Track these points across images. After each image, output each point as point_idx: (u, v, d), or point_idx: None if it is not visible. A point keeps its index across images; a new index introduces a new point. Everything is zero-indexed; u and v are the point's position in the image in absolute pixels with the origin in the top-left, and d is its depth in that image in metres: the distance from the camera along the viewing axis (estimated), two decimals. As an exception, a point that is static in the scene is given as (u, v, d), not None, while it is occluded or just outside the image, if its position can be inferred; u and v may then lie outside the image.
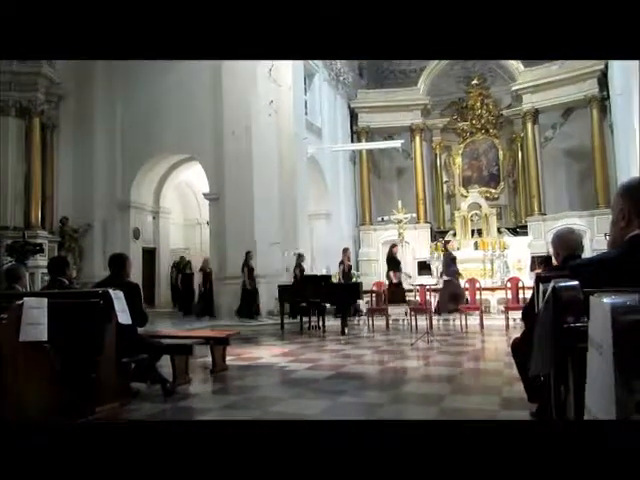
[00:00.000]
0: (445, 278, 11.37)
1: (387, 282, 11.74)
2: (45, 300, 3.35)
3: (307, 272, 12.29)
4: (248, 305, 11.90)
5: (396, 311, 10.88)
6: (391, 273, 12.13)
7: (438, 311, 10.93)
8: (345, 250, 12.60)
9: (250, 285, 12.05)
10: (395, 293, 11.27)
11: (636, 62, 11.52)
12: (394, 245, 12.97)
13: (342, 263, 12.30)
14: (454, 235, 16.77)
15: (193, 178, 16.54)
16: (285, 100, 13.45)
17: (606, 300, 1.14)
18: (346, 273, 12.19)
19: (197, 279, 13.93)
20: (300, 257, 12.02)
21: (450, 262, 11.52)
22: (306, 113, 15.13)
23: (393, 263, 12.40)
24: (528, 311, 3.15)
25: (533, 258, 14.21)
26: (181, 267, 15.03)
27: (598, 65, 15.02)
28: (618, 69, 13.65)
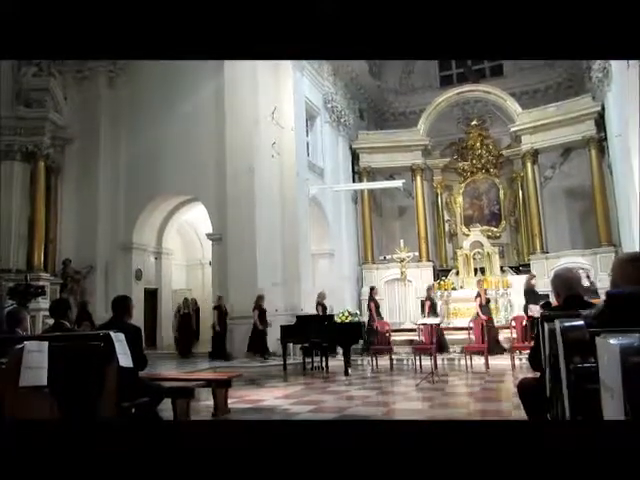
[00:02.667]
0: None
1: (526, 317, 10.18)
2: (46, 344, 3.31)
3: (310, 312, 12.19)
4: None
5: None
6: (531, 306, 10.66)
7: None
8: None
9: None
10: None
11: (630, 104, 11.72)
12: (532, 276, 11.86)
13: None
14: (457, 274, 16.71)
15: (195, 219, 16.65)
16: (287, 142, 13.66)
17: (613, 341, 1.13)
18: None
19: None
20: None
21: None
22: (308, 154, 15.33)
23: (532, 295, 10.98)
24: (535, 353, 3.09)
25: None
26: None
27: (595, 107, 15.27)
28: (614, 111, 13.87)
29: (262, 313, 11.70)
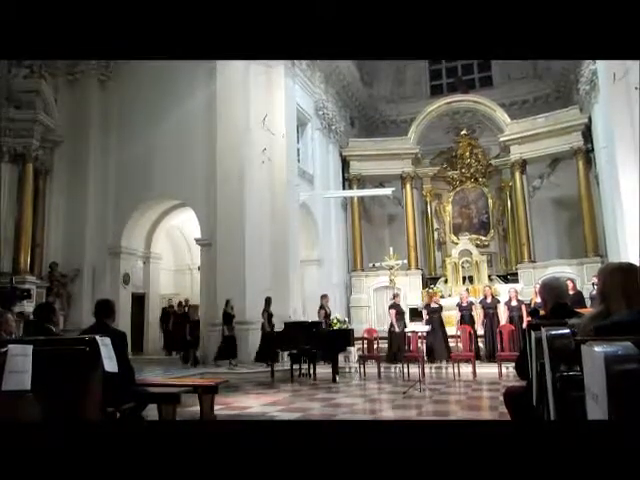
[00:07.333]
0: None
1: None
2: (30, 347, 3.27)
3: (298, 319, 12.15)
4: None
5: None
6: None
7: None
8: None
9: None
10: None
11: (616, 116, 11.89)
12: None
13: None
14: (445, 282, 16.76)
15: (185, 224, 16.57)
16: (278, 148, 13.66)
17: (598, 349, 1.14)
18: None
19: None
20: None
21: None
22: (299, 160, 15.34)
23: None
24: (521, 361, 3.10)
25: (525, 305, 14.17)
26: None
27: (582, 119, 15.48)
28: (601, 123, 14.05)
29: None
